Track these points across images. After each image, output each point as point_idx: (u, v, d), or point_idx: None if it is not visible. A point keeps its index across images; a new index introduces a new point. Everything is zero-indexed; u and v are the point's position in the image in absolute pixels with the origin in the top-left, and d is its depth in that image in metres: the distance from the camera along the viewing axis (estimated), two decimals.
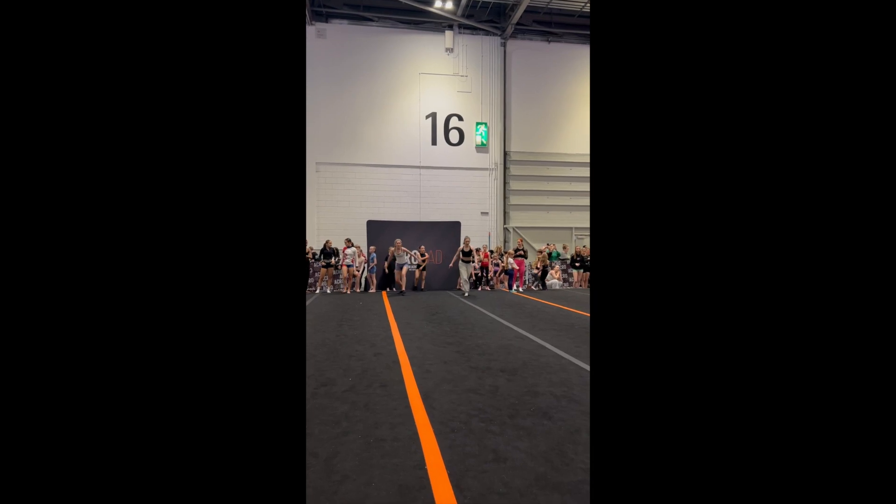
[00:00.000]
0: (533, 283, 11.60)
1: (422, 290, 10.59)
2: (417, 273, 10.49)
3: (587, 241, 13.63)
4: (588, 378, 3.53)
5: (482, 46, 13.93)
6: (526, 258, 11.21)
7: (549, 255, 12.09)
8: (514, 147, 14.17)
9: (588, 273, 11.75)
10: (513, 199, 14.16)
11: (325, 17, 13.11)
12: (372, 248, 10.72)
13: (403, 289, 10.06)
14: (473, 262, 10.16)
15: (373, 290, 10.56)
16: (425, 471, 2.05)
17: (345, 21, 13.23)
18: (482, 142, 13.84)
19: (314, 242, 12.13)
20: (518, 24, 13.46)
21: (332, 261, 10.31)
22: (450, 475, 2.01)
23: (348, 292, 10.25)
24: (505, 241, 13.91)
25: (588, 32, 14.15)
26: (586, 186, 14.19)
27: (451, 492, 1.88)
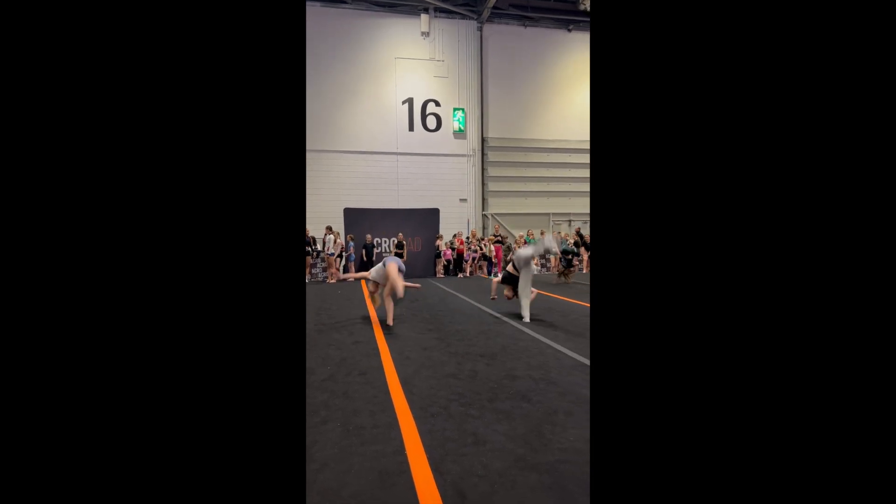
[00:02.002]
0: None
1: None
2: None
3: (563, 227, 13.79)
4: (565, 361, 3.59)
5: (458, 31, 13.76)
6: (504, 244, 11.28)
7: (526, 241, 12.20)
8: (492, 133, 14.13)
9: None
10: (491, 186, 14.17)
11: None
12: (349, 236, 10.60)
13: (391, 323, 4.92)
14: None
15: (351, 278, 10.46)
16: (405, 456, 2.06)
17: (318, 3, 12.86)
18: (460, 128, 13.75)
19: None
20: (494, 7, 13.32)
21: (309, 250, 10.14)
22: (429, 459, 2.02)
23: (335, 282, 10.10)
24: (483, 228, 13.94)
25: (564, 17, 14.13)
26: (565, 172, 14.32)
27: (431, 475, 1.89)
